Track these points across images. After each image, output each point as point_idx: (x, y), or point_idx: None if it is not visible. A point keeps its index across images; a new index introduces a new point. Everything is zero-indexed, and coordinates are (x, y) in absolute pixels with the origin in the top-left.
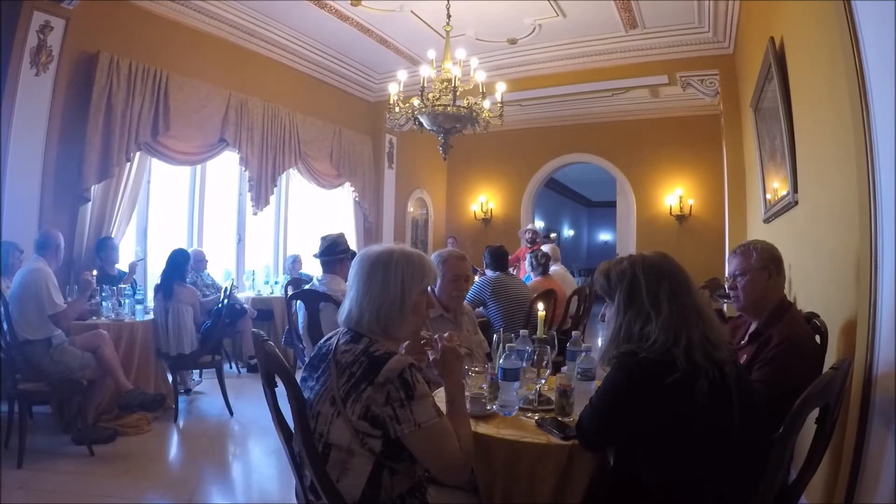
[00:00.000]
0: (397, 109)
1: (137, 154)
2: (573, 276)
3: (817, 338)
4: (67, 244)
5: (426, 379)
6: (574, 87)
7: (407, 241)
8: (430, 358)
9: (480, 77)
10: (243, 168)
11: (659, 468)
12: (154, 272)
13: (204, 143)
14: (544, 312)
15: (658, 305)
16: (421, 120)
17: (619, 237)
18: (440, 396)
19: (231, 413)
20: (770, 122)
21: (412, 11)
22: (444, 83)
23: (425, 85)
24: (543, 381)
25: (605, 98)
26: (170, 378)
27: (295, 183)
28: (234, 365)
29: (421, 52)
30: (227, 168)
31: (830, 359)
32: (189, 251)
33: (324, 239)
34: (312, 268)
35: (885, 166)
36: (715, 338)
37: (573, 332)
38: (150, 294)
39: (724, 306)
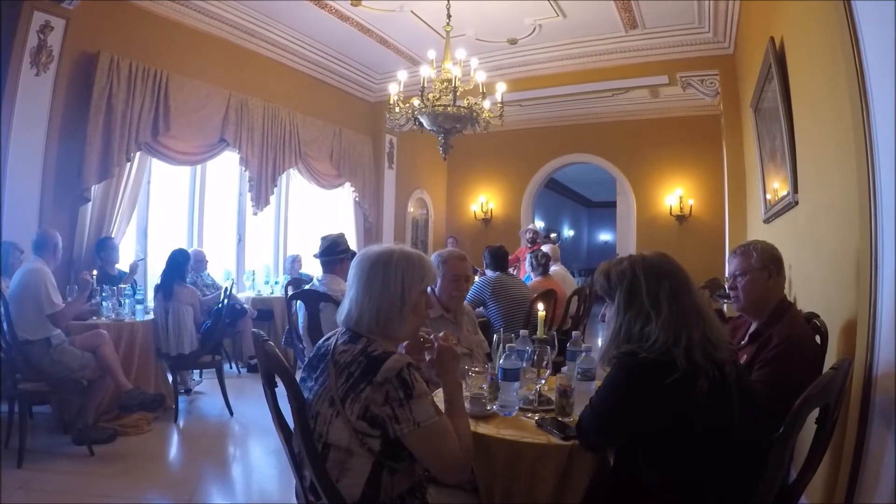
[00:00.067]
0: (397, 109)
1: (137, 154)
2: (573, 276)
3: (817, 338)
4: (67, 244)
5: (424, 379)
6: (574, 87)
7: (407, 242)
8: (428, 358)
9: (480, 77)
10: (243, 168)
11: (659, 468)
12: (154, 272)
13: (204, 143)
14: (544, 312)
15: (658, 305)
16: (421, 120)
17: (619, 237)
18: (440, 397)
19: (231, 413)
20: (770, 122)
21: (412, 11)
22: (445, 83)
23: (425, 85)
24: (543, 382)
25: (606, 98)
26: (170, 378)
27: (295, 183)
28: (234, 365)
29: (421, 52)
30: (227, 168)
31: (830, 359)
32: (189, 251)
33: (324, 239)
34: (312, 268)
35: (885, 166)
36: (715, 338)
37: (573, 333)
38: (151, 294)
39: (724, 306)
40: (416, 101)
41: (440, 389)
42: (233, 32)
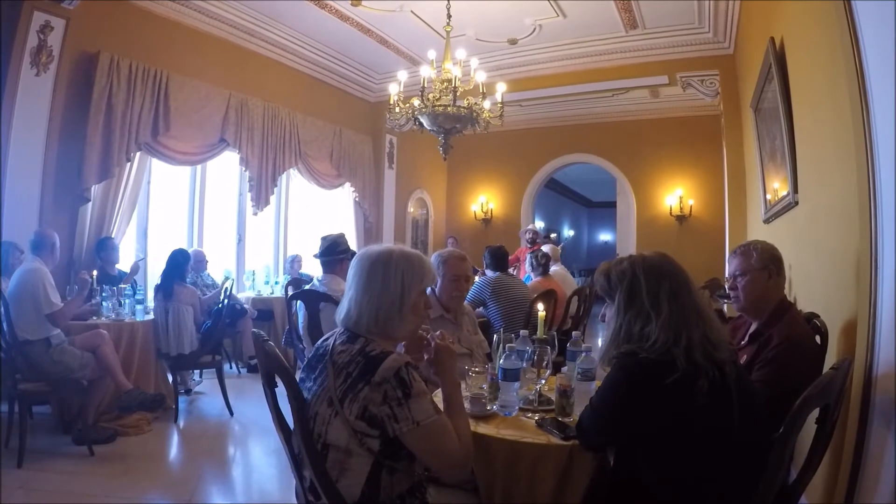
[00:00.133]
0: (397, 110)
1: (137, 154)
2: (573, 276)
3: (817, 338)
4: (67, 244)
5: (423, 378)
6: (574, 87)
7: (407, 242)
8: (426, 357)
9: (481, 77)
10: (243, 168)
11: (659, 468)
12: (154, 272)
13: (204, 143)
14: (544, 313)
15: (658, 305)
16: (421, 120)
17: (620, 237)
18: (440, 397)
19: (231, 413)
20: (770, 122)
21: (412, 11)
22: (445, 83)
23: (425, 85)
24: (543, 382)
25: (606, 98)
26: (170, 378)
27: (295, 183)
28: (234, 365)
29: (421, 52)
30: (227, 168)
31: (830, 359)
32: (189, 251)
33: (324, 239)
34: (312, 268)
35: (885, 166)
36: (715, 338)
37: (573, 333)
38: (151, 294)
39: (725, 306)
40: (416, 101)
41: (440, 389)
42: (233, 32)
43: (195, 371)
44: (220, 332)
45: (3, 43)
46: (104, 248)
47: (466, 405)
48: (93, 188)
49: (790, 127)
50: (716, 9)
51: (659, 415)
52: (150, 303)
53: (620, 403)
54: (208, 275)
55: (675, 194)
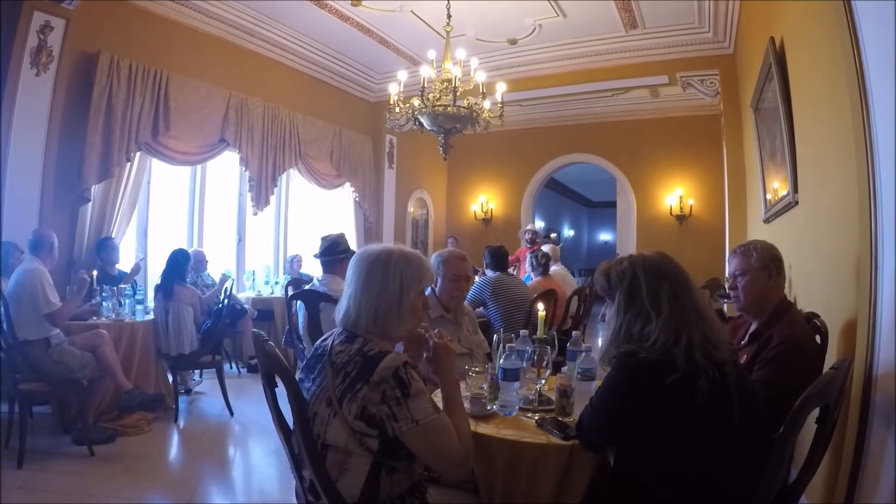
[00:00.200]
0: (397, 110)
1: (137, 154)
2: (573, 276)
3: (817, 338)
4: (68, 244)
5: (422, 377)
6: (574, 87)
7: (407, 242)
8: (425, 356)
9: (480, 77)
10: (243, 168)
11: (659, 468)
12: (154, 272)
13: (204, 143)
14: (544, 312)
15: (658, 305)
16: (421, 120)
17: (620, 237)
18: (439, 397)
19: (231, 413)
20: (770, 122)
21: (412, 11)
22: (445, 83)
23: (425, 85)
24: (543, 381)
25: (605, 98)
26: (170, 378)
27: (295, 183)
28: (234, 365)
29: (421, 52)
30: (227, 168)
31: (830, 359)
32: (189, 251)
33: (324, 239)
34: (312, 268)
35: (885, 166)
36: (715, 338)
37: (573, 333)
38: (151, 294)
39: (725, 306)
40: (416, 101)
41: (439, 389)
42: (233, 32)
43: (195, 371)
44: (220, 332)
45: (3, 43)
46: (104, 248)
47: (466, 405)
48: (93, 188)
49: (790, 127)
50: (716, 9)
51: (659, 415)
52: (150, 303)
53: (620, 403)
54: (208, 275)
55: (675, 194)
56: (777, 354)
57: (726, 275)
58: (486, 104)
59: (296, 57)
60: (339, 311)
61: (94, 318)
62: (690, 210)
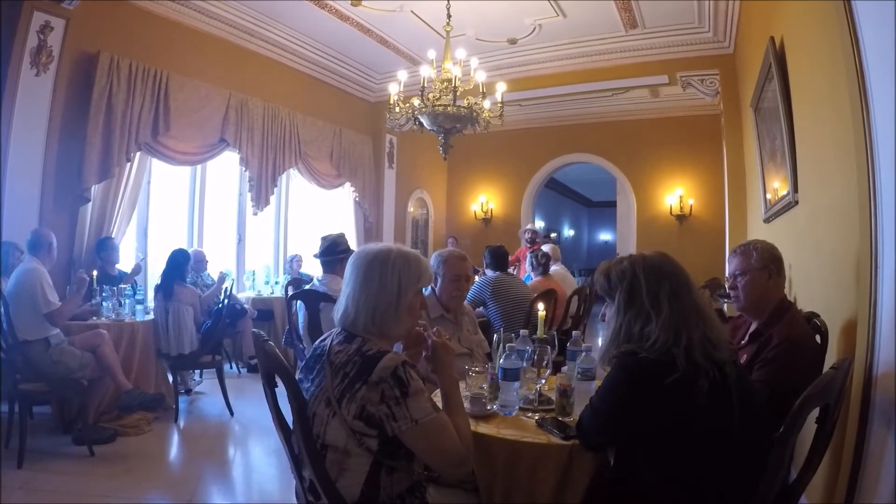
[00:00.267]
0: (397, 109)
1: (137, 154)
2: (573, 275)
3: (817, 338)
4: (68, 244)
5: (422, 377)
6: (574, 87)
7: (407, 241)
8: (424, 355)
9: (480, 77)
10: (243, 168)
11: (659, 468)
12: (154, 272)
13: (204, 143)
14: (544, 312)
15: (658, 305)
16: (421, 120)
17: (620, 237)
18: (439, 396)
19: (231, 413)
20: (770, 121)
21: (412, 11)
22: (445, 83)
23: (425, 85)
24: (544, 381)
25: (605, 98)
26: (170, 378)
27: (295, 183)
28: (234, 365)
29: (421, 52)
30: (227, 168)
31: (830, 359)
32: (189, 251)
33: (324, 239)
34: (312, 268)
35: (885, 166)
36: (715, 338)
37: (573, 332)
38: (151, 294)
39: (725, 306)
40: (416, 101)
41: (439, 389)
42: (233, 32)
43: (195, 371)
44: (220, 332)
45: (3, 43)
46: (104, 248)
47: (466, 405)
48: (93, 188)
49: (790, 126)
50: (716, 8)
51: (659, 415)
52: (150, 303)
53: (620, 403)
54: (208, 275)
55: (676, 194)
56: (777, 354)
57: (726, 275)
58: (486, 104)
59: (296, 57)
60: (338, 310)
61: (94, 318)
62: (690, 210)
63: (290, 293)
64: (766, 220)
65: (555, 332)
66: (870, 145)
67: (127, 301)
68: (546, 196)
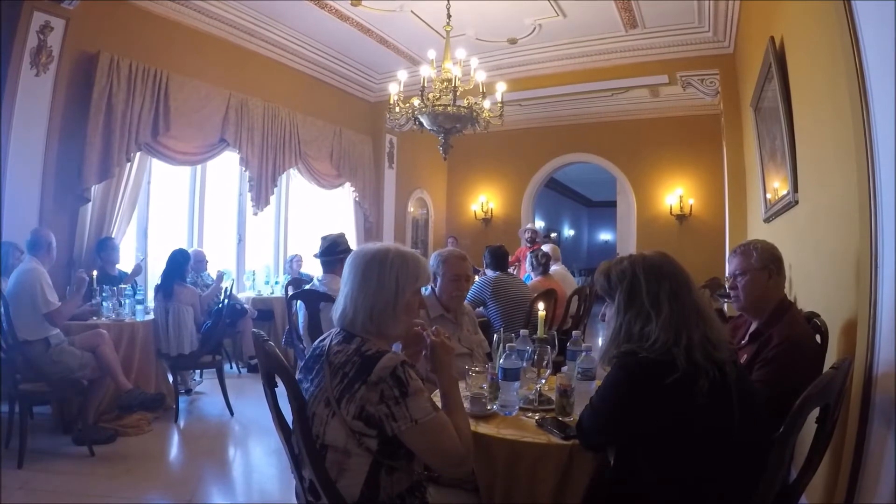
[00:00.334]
0: (397, 109)
1: (138, 154)
2: (573, 275)
3: (817, 337)
4: (68, 244)
5: (421, 377)
6: (574, 86)
7: (407, 242)
8: (423, 354)
9: (480, 77)
10: (243, 168)
11: (659, 468)
12: (154, 272)
13: (204, 143)
14: (544, 312)
15: (658, 305)
16: (421, 120)
17: (620, 237)
18: (438, 396)
19: (231, 413)
20: (770, 121)
21: (412, 11)
22: (445, 83)
23: (425, 85)
24: (544, 381)
25: (605, 98)
26: (170, 378)
27: (295, 183)
28: (234, 365)
29: (421, 52)
30: (227, 168)
31: (830, 358)
32: (189, 251)
33: (324, 239)
34: (312, 268)
35: (885, 166)
36: (715, 338)
37: (573, 332)
38: (151, 294)
39: (725, 306)
40: (416, 101)
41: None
42: (233, 32)
43: (195, 371)
44: (220, 332)
45: (3, 43)
46: (104, 248)
47: (466, 405)
48: (93, 188)
49: (790, 126)
50: (716, 8)
51: (659, 415)
52: (151, 303)
53: (621, 403)
54: (208, 275)
55: (676, 194)
56: (777, 354)
57: (726, 274)
58: (486, 104)
59: (296, 57)
60: (336, 310)
61: (94, 318)
62: (690, 210)
63: (291, 293)
64: (766, 220)
65: (555, 332)
66: (870, 145)
67: (127, 301)
68: (546, 196)
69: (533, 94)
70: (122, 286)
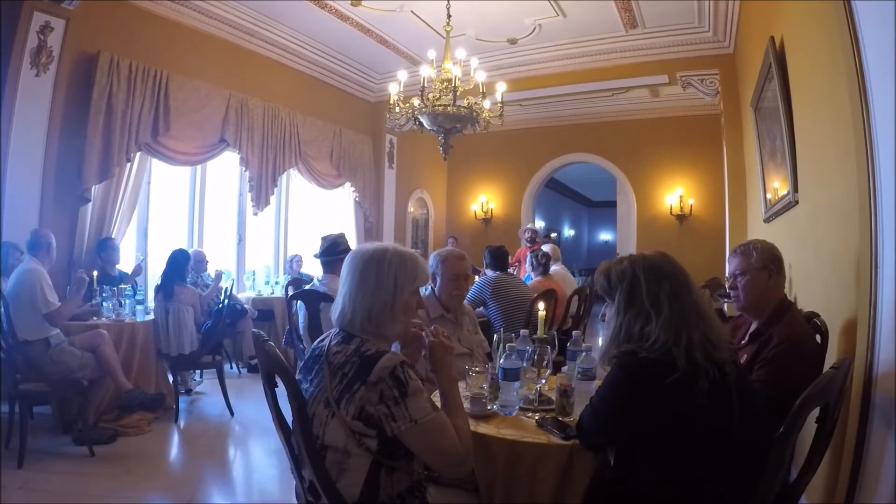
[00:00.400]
0: (397, 109)
1: (138, 154)
2: (573, 275)
3: (818, 337)
4: (68, 245)
5: (421, 377)
6: (574, 86)
7: (407, 241)
8: (423, 354)
9: (480, 77)
10: (243, 168)
11: (659, 468)
12: (154, 272)
13: (204, 144)
14: (545, 312)
15: (658, 305)
16: (421, 120)
17: (620, 237)
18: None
19: (231, 413)
20: (770, 121)
21: (412, 11)
22: (445, 83)
23: (425, 85)
24: (544, 381)
25: (605, 98)
26: (170, 378)
27: (295, 183)
28: (234, 365)
29: (421, 52)
30: (227, 168)
31: (830, 358)
32: (189, 251)
33: (324, 239)
34: (312, 268)
35: (885, 166)
36: (715, 338)
37: (573, 332)
38: (151, 294)
39: (725, 306)
40: (416, 101)
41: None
42: (233, 32)
43: (195, 371)
44: (220, 332)
45: (3, 43)
46: (105, 248)
47: (467, 405)
48: (93, 188)
49: (790, 126)
50: (716, 8)
51: (659, 415)
52: (151, 303)
53: (621, 403)
54: (208, 275)
55: (676, 194)
56: (777, 354)
57: (726, 274)
58: (486, 104)
59: (296, 57)
60: (335, 310)
61: (95, 318)
62: (690, 210)
63: (291, 293)
64: (766, 220)
65: (555, 332)
66: (870, 145)
67: (127, 301)
68: (546, 196)
69: (533, 94)
70: (123, 286)
